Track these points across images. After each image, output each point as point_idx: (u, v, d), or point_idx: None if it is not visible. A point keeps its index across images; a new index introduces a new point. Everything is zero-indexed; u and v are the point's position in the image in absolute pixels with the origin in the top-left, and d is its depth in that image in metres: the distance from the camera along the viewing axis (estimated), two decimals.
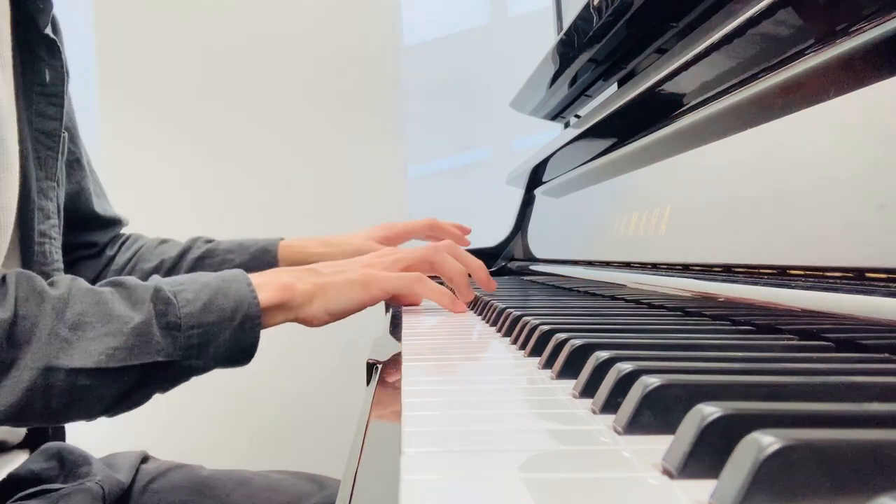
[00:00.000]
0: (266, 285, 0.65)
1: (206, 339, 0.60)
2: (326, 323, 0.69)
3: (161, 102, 1.81)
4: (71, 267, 0.94)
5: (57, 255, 0.79)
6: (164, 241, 1.00)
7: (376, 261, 0.74)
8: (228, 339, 0.61)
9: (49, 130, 0.78)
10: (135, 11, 1.81)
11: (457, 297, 0.77)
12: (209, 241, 0.99)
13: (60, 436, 0.84)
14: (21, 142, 0.74)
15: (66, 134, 0.82)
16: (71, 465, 0.77)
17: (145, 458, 0.87)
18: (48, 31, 0.77)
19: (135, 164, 1.81)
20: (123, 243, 1.00)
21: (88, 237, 0.94)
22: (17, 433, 0.77)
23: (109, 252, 0.98)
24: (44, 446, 0.79)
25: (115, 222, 0.98)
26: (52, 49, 0.78)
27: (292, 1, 1.84)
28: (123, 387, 0.58)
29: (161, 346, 0.59)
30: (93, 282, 0.96)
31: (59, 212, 0.80)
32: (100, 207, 0.94)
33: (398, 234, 1.01)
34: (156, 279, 0.63)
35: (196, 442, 1.75)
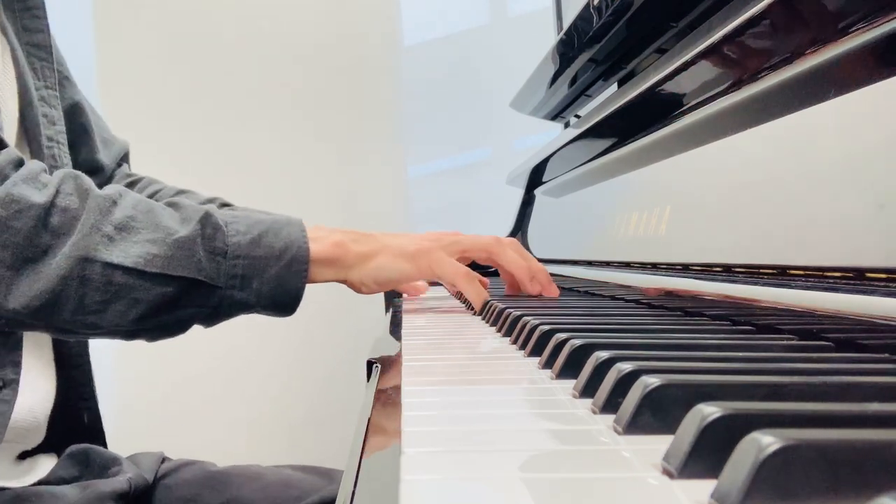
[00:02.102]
0: (319, 239, 0.66)
1: (251, 271, 0.61)
2: (374, 292, 0.70)
3: (160, 103, 1.81)
4: None
5: (67, 160, 0.80)
6: (181, 192, 1.00)
7: (433, 235, 0.74)
8: (273, 278, 0.62)
9: (38, 42, 0.80)
10: (134, 8, 1.81)
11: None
12: (226, 205, 0.98)
13: (87, 436, 0.82)
14: (13, 52, 0.76)
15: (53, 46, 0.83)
16: (100, 468, 0.77)
17: (163, 460, 0.87)
18: None
19: (134, 166, 1.81)
20: (136, 182, 0.99)
21: (92, 156, 0.93)
22: (37, 432, 0.76)
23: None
24: (71, 449, 0.78)
25: (111, 143, 0.98)
26: None
27: (292, 1, 1.84)
28: (160, 297, 0.59)
29: (203, 265, 0.60)
30: None
31: (63, 120, 0.81)
32: (96, 124, 0.95)
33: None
34: (210, 206, 0.64)
35: (209, 442, 1.75)
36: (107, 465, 0.77)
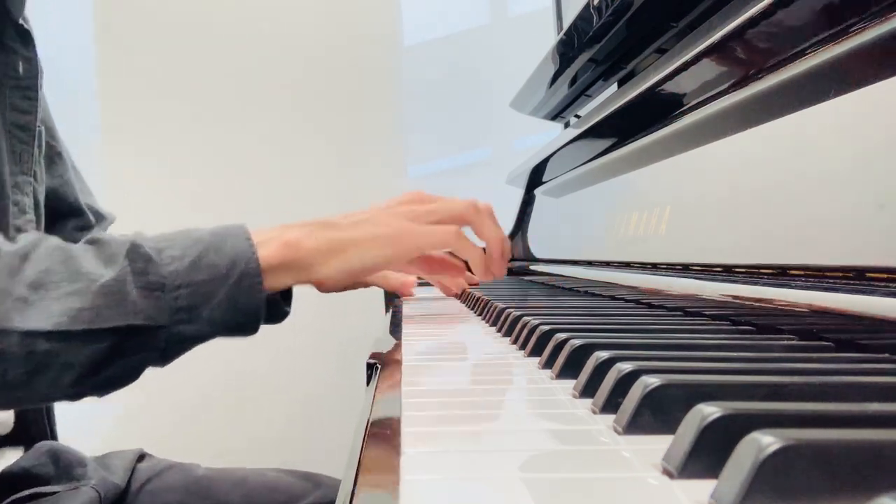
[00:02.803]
0: (269, 242, 0.58)
1: (196, 300, 0.54)
2: (344, 285, 0.62)
3: (159, 104, 1.81)
4: None
5: None
6: None
7: (403, 208, 0.66)
8: (224, 301, 0.54)
9: (23, 124, 0.76)
10: (135, 9, 1.81)
11: (487, 267, 0.69)
12: None
13: (52, 433, 0.83)
14: None
15: (42, 128, 0.80)
16: (65, 465, 0.76)
17: (141, 457, 0.86)
18: (22, 21, 0.75)
19: (133, 167, 1.81)
20: None
21: (78, 235, 0.90)
22: (5, 424, 0.76)
23: None
24: (38, 445, 0.77)
25: (102, 217, 0.95)
26: (26, 40, 0.76)
27: (292, 1, 1.84)
28: (95, 354, 0.51)
29: (139, 307, 0.52)
30: None
31: (36, 207, 0.78)
32: (85, 201, 0.92)
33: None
34: (137, 234, 0.56)
35: (193, 440, 1.75)
36: (72, 465, 0.76)
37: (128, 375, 0.54)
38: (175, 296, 0.53)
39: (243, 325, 0.56)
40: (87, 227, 0.92)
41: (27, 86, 0.76)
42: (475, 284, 0.89)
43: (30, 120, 0.77)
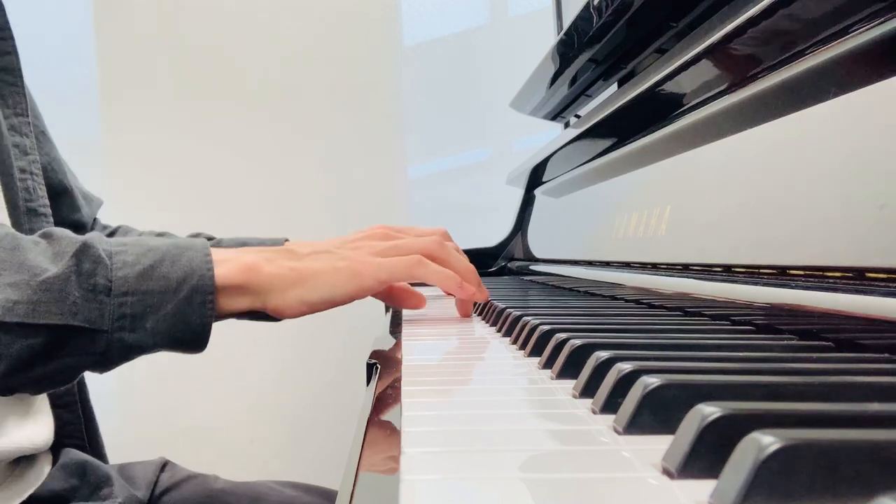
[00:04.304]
0: (227, 261, 0.56)
1: (142, 309, 0.52)
2: (302, 314, 0.60)
3: (159, 102, 1.81)
4: None
5: (42, 192, 0.74)
6: (161, 235, 0.96)
7: (366, 243, 0.65)
8: (171, 314, 0.53)
9: (5, 66, 0.74)
10: (135, 7, 1.81)
11: (463, 281, 0.67)
12: (211, 239, 0.94)
13: (93, 439, 0.81)
14: None
15: (25, 87, 0.77)
16: (93, 485, 0.75)
17: (164, 466, 0.86)
18: None
19: (133, 167, 1.81)
20: (112, 234, 0.95)
21: (69, 214, 0.88)
22: (45, 441, 0.74)
23: None
24: (66, 458, 0.75)
25: (90, 199, 0.93)
26: None
27: (292, 1, 1.84)
28: (28, 349, 0.50)
29: (80, 308, 0.50)
30: None
31: (36, 152, 0.76)
32: (73, 181, 0.90)
33: None
34: (92, 235, 0.54)
35: (203, 444, 1.75)
36: (99, 485, 0.75)
37: (63, 376, 0.53)
38: (121, 301, 0.52)
39: (188, 341, 0.54)
40: (78, 209, 0.90)
41: (0, 25, 0.74)
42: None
43: (10, 61, 0.75)
